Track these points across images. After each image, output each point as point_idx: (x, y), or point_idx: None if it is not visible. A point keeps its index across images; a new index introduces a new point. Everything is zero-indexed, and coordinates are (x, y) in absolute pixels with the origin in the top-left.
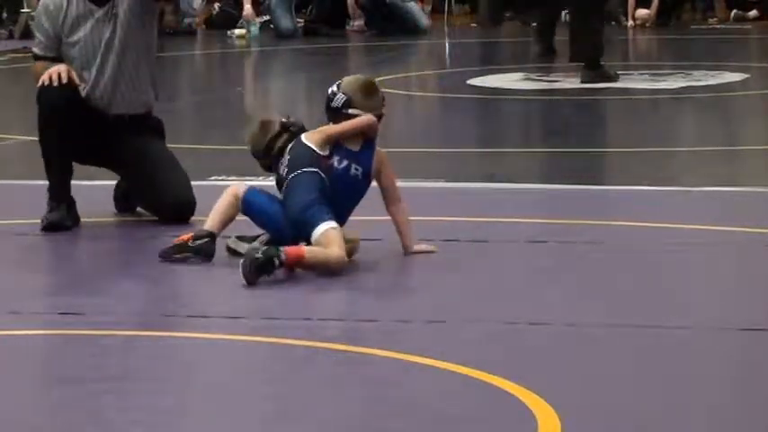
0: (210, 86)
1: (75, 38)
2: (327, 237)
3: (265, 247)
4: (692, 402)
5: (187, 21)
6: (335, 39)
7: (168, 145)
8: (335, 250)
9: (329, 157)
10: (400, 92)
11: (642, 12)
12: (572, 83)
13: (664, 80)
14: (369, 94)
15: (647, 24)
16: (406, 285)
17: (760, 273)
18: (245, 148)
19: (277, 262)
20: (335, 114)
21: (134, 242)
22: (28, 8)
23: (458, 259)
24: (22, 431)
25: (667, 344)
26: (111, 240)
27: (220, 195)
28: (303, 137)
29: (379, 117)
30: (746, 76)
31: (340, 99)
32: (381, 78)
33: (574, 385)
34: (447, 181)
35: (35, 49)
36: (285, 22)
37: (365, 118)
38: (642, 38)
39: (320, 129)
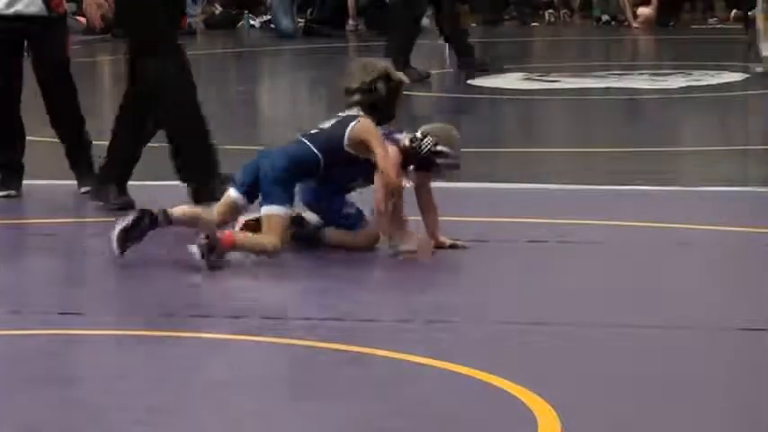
0: (210, 86)
1: None
2: (270, 222)
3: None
4: (691, 402)
5: (187, 21)
6: (335, 39)
7: (167, 144)
8: (272, 239)
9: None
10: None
11: (644, 10)
12: (572, 83)
13: (664, 80)
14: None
15: (644, 26)
16: (407, 285)
17: (760, 273)
18: (245, 148)
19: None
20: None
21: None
22: None
23: (458, 259)
24: (21, 431)
25: (667, 344)
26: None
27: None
28: (356, 122)
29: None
30: (746, 76)
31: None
32: None
33: (574, 385)
34: (447, 181)
35: None
36: (286, 22)
37: (393, 177)
38: (642, 38)
39: (375, 136)
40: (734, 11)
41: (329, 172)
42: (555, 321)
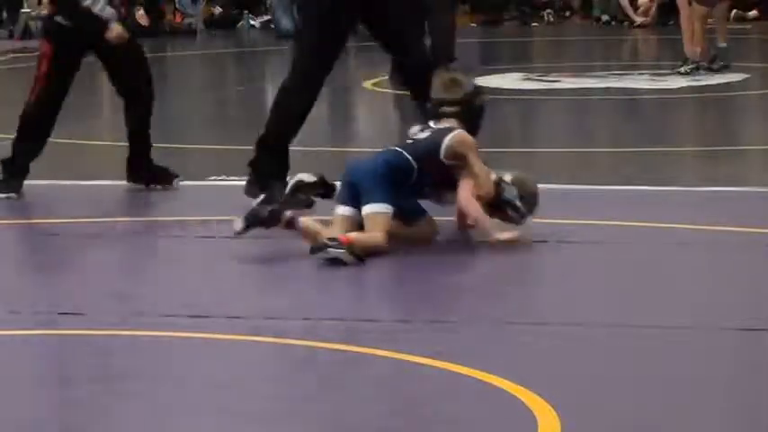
0: (210, 86)
1: None
2: (373, 220)
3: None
4: (691, 402)
5: (187, 21)
6: None
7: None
8: (377, 236)
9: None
10: (400, 92)
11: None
12: (572, 83)
13: (664, 80)
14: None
15: (648, 19)
16: (407, 285)
17: (760, 273)
18: (247, 148)
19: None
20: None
21: (135, 242)
22: (28, 8)
23: (457, 259)
24: (22, 431)
25: (667, 344)
26: (112, 240)
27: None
28: (452, 135)
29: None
30: (746, 76)
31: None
32: (382, 78)
33: (574, 385)
34: None
35: None
36: (285, 22)
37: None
38: (642, 38)
39: (472, 148)
40: (734, 11)
41: (420, 180)
42: (555, 321)
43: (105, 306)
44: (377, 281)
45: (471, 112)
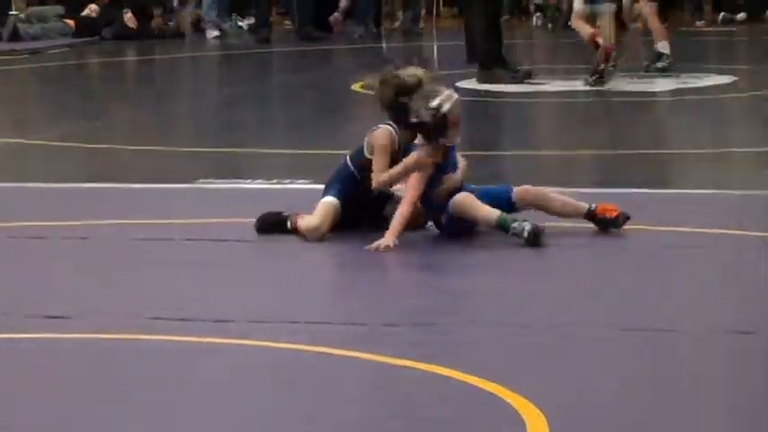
0: (201, 89)
1: None
2: (320, 206)
3: None
4: (686, 405)
5: (174, 23)
6: (331, 41)
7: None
8: (309, 219)
9: None
10: None
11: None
12: (558, 86)
13: (652, 82)
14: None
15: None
16: (400, 288)
17: (756, 275)
18: (234, 151)
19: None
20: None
21: (132, 243)
22: (16, 11)
23: (453, 261)
24: None
25: (664, 345)
26: (109, 241)
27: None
28: (371, 132)
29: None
30: (734, 78)
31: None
32: (368, 81)
33: (562, 389)
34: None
35: None
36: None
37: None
38: (631, 41)
39: (380, 148)
40: (722, 13)
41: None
42: (544, 324)
43: (97, 309)
44: (365, 284)
45: (399, 114)
